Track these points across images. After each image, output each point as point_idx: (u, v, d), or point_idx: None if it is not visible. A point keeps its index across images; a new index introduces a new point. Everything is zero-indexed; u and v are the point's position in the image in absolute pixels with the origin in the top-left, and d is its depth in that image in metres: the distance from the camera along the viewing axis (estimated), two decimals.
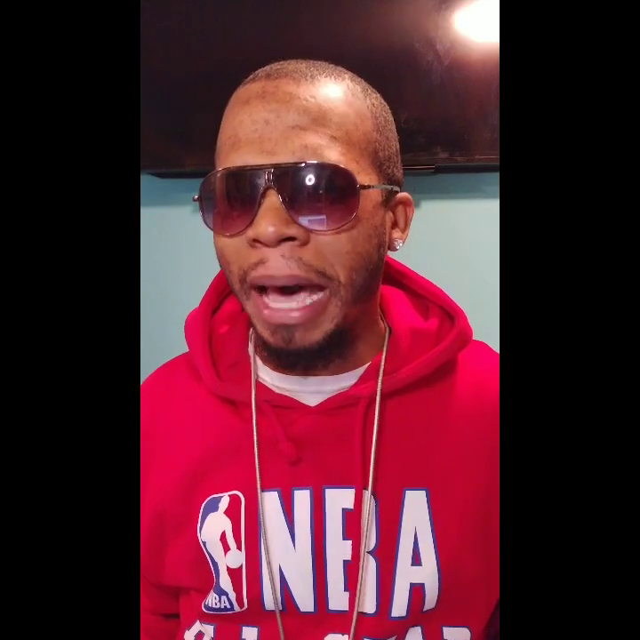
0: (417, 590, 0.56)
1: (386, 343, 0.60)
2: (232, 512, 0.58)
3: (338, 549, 0.56)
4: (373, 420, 0.56)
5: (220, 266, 0.55)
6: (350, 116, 0.51)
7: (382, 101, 0.58)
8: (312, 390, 0.59)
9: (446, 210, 1.35)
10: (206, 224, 0.54)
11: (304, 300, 0.51)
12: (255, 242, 0.50)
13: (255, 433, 0.58)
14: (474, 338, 0.66)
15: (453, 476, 0.57)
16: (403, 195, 0.59)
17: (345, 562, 0.56)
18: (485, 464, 0.58)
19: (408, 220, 0.60)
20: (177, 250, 1.32)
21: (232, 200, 0.51)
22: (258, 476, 0.57)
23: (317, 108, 0.49)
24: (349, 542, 0.56)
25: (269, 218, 0.48)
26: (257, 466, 0.58)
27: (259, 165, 0.49)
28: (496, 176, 1.27)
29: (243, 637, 0.59)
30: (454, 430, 0.59)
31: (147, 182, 1.26)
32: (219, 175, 0.51)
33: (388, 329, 0.61)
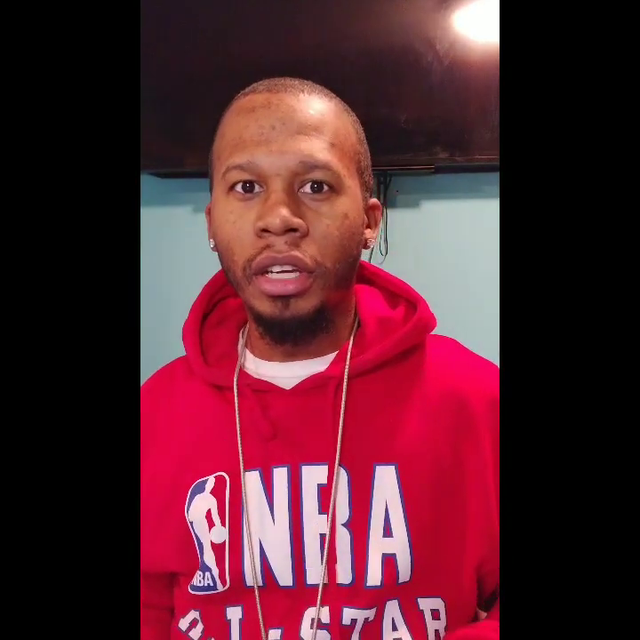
0: (389, 560, 0.59)
1: (354, 330, 0.66)
2: (217, 491, 0.62)
3: (314, 523, 0.60)
4: (342, 398, 0.62)
5: (222, 258, 0.61)
6: (341, 129, 0.60)
7: (356, 118, 0.65)
8: (289, 375, 0.64)
9: (446, 210, 1.36)
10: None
11: (297, 275, 0.58)
12: (263, 231, 0.56)
13: (237, 415, 0.63)
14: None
15: (420, 452, 0.61)
16: (373, 200, 0.66)
17: (321, 535, 0.60)
18: (449, 440, 0.62)
19: (377, 222, 0.67)
20: (177, 250, 1.32)
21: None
22: (240, 457, 0.62)
23: (317, 119, 0.58)
24: (325, 516, 0.60)
25: (277, 210, 0.55)
26: (240, 447, 0.62)
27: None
28: (496, 176, 1.27)
29: (228, 618, 0.62)
30: (419, 408, 0.63)
31: (147, 182, 1.26)
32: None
33: (357, 319, 0.68)
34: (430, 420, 0.62)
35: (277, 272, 0.58)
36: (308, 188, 0.57)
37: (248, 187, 0.57)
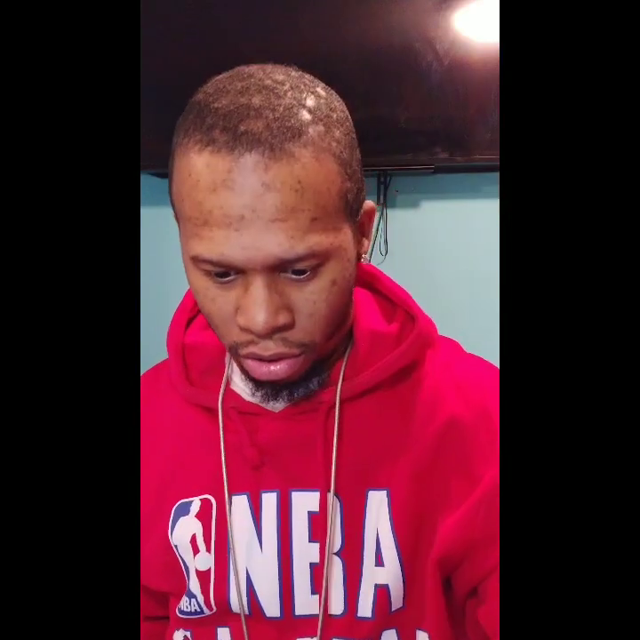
0: (382, 591, 0.57)
1: (348, 351, 0.61)
2: (203, 515, 0.60)
3: (304, 552, 0.58)
4: (334, 423, 0.58)
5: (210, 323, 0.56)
6: (323, 184, 0.48)
7: (341, 116, 0.52)
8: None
9: (446, 210, 1.36)
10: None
11: (284, 363, 0.54)
12: (244, 329, 0.51)
13: (222, 439, 0.60)
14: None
15: (411, 477, 0.58)
16: (368, 205, 0.56)
17: (311, 564, 0.57)
18: (445, 465, 0.58)
19: (371, 229, 0.59)
20: (177, 250, 1.31)
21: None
22: (225, 481, 0.59)
23: (293, 195, 0.47)
24: (316, 544, 0.57)
25: (258, 308, 0.49)
26: (224, 470, 0.59)
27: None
28: (496, 176, 1.28)
29: (218, 639, 0.60)
30: (416, 431, 0.59)
31: (147, 182, 1.26)
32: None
33: (351, 335, 0.62)
34: (427, 443, 0.59)
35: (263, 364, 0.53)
36: (290, 273, 0.49)
37: (223, 273, 0.50)
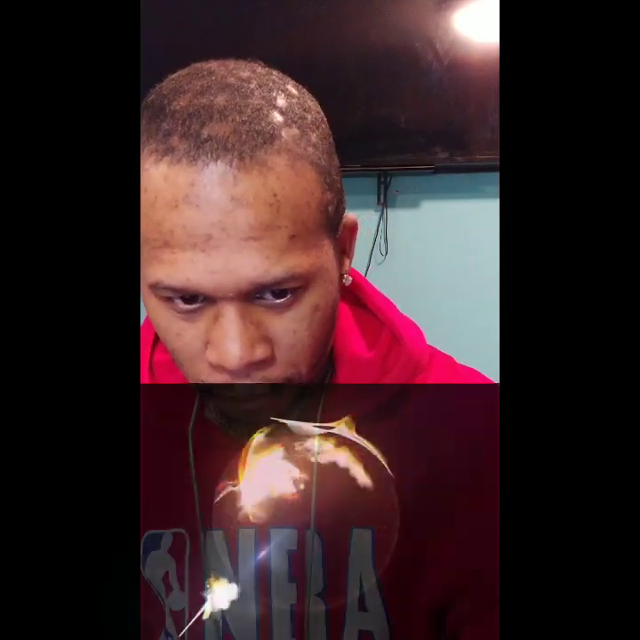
0: (366, 638, 0.54)
1: (327, 380, 0.56)
2: (176, 551, 0.56)
3: (283, 592, 0.54)
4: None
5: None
6: (302, 197, 0.43)
7: (316, 118, 0.46)
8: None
9: (446, 210, 1.36)
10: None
11: (263, 399, 0.49)
12: (217, 367, 0.45)
13: (193, 472, 0.56)
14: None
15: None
16: (349, 219, 0.50)
17: (292, 605, 0.54)
18: (432, 506, 0.54)
19: (353, 245, 0.53)
20: None
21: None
22: (199, 516, 0.55)
23: (268, 210, 0.41)
24: (295, 584, 0.54)
25: (231, 341, 0.43)
26: (197, 504, 0.55)
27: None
28: (496, 176, 1.28)
29: None
30: (403, 468, 0.55)
31: None
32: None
33: (331, 362, 0.56)
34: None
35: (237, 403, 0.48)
36: (268, 295, 0.44)
37: (188, 298, 0.44)
